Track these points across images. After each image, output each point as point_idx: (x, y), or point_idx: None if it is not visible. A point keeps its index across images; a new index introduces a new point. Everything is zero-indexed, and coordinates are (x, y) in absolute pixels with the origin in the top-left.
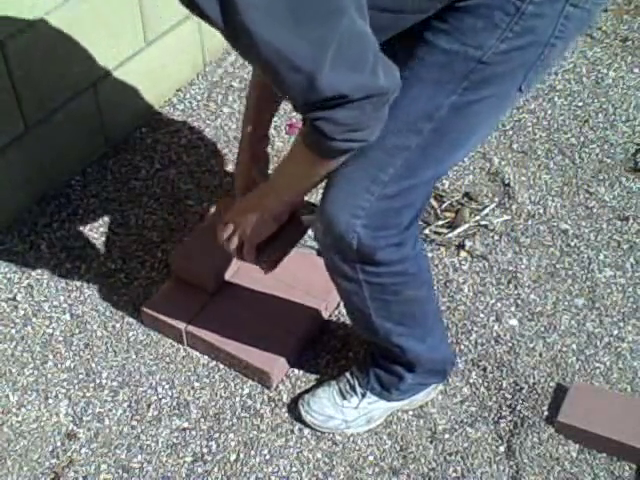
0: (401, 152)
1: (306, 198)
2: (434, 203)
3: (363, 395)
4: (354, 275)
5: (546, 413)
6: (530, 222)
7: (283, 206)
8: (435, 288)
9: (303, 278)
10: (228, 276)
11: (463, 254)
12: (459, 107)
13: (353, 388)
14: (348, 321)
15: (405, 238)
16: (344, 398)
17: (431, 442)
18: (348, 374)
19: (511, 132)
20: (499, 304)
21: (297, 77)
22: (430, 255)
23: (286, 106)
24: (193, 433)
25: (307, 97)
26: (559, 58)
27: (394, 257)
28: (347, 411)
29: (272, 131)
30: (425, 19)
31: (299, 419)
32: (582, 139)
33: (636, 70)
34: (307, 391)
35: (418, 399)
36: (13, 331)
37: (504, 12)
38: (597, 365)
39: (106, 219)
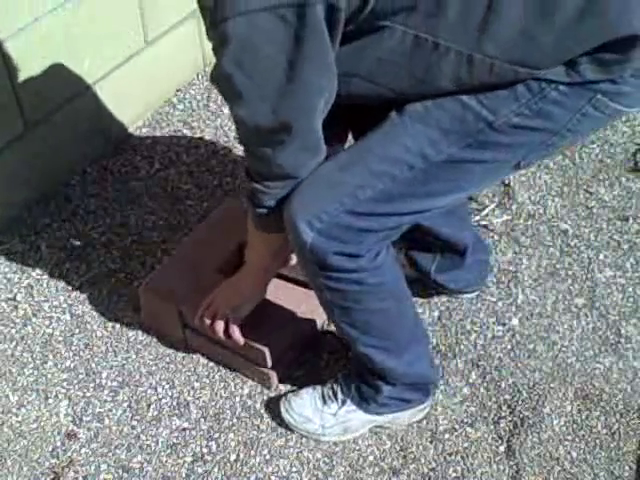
0: (386, 179)
1: None
2: None
3: (343, 402)
4: (314, 277)
5: (546, 413)
6: (530, 222)
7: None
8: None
9: (303, 278)
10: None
11: None
12: (455, 160)
13: (335, 394)
14: None
15: (360, 251)
16: (324, 403)
17: (431, 442)
18: (333, 380)
19: None
20: (499, 304)
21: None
22: None
23: None
24: (193, 433)
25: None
26: (567, 147)
27: (347, 265)
28: (325, 416)
29: None
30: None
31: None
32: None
33: None
34: (292, 391)
35: (402, 417)
36: (13, 331)
37: (527, 88)
38: (597, 365)
39: (106, 219)
